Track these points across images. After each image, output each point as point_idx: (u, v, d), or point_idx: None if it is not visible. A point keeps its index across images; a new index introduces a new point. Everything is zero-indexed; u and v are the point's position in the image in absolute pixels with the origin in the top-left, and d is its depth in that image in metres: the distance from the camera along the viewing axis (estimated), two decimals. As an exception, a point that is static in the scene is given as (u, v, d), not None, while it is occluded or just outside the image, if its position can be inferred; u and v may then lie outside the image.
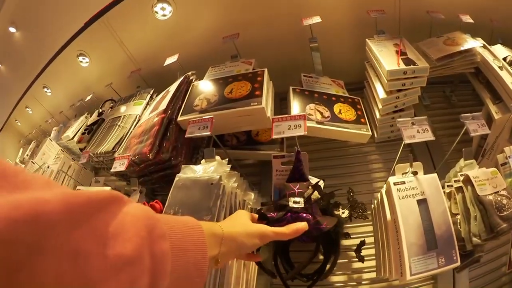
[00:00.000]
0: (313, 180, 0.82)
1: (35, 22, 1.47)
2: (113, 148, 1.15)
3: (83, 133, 1.41)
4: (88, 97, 1.53)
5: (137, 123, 1.17)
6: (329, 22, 1.08)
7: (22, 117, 2.06)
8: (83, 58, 1.48)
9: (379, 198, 0.83)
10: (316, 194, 0.70)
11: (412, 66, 0.96)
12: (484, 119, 1.06)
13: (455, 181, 0.80)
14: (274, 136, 0.73)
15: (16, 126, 2.17)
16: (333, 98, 1.01)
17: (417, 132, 0.77)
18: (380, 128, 1.07)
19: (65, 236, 0.24)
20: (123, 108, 1.30)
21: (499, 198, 0.72)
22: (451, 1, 1.14)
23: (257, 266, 0.85)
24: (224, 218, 0.73)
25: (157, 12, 1.21)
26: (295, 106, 0.96)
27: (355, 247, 0.88)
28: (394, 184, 0.73)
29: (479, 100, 1.06)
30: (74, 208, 0.25)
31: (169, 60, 1.17)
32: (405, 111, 1.08)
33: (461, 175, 0.78)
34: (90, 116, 1.50)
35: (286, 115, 0.74)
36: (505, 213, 0.69)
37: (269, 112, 0.87)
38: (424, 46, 1.08)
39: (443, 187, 0.84)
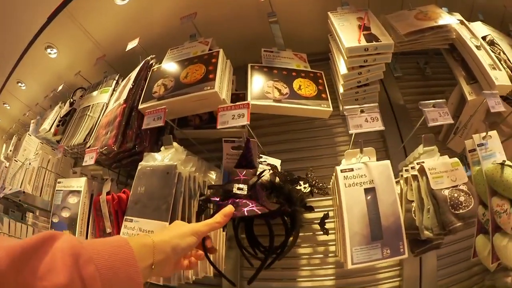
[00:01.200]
0: (269, 160, 0.83)
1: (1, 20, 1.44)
2: (84, 139, 1.15)
3: (57, 125, 1.41)
4: (60, 87, 1.52)
5: (104, 111, 1.17)
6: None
7: (1, 113, 2.06)
8: (51, 50, 1.46)
9: (333, 179, 0.80)
10: (266, 176, 0.71)
11: (374, 43, 0.88)
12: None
13: (411, 168, 0.75)
14: (219, 127, 0.73)
15: (-3, 123, 2.18)
16: (293, 74, 0.99)
17: (365, 121, 0.71)
18: (345, 102, 1.06)
19: (14, 279, 0.32)
20: (92, 97, 1.30)
21: (455, 194, 0.65)
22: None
23: (224, 241, 0.89)
24: (183, 204, 0.76)
25: (115, -3, 1.18)
26: (254, 84, 0.95)
27: (319, 221, 0.90)
28: (341, 171, 0.70)
29: (455, 73, 0.99)
30: (15, 257, 0.33)
31: (131, 45, 1.15)
32: (370, 85, 1.04)
33: (417, 163, 0.72)
34: (64, 105, 1.49)
35: (231, 104, 0.74)
36: (461, 211, 0.63)
37: (224, 94, 0.87)
38: (393, 20, 1.01)
39: (401, 171, 0.80)
